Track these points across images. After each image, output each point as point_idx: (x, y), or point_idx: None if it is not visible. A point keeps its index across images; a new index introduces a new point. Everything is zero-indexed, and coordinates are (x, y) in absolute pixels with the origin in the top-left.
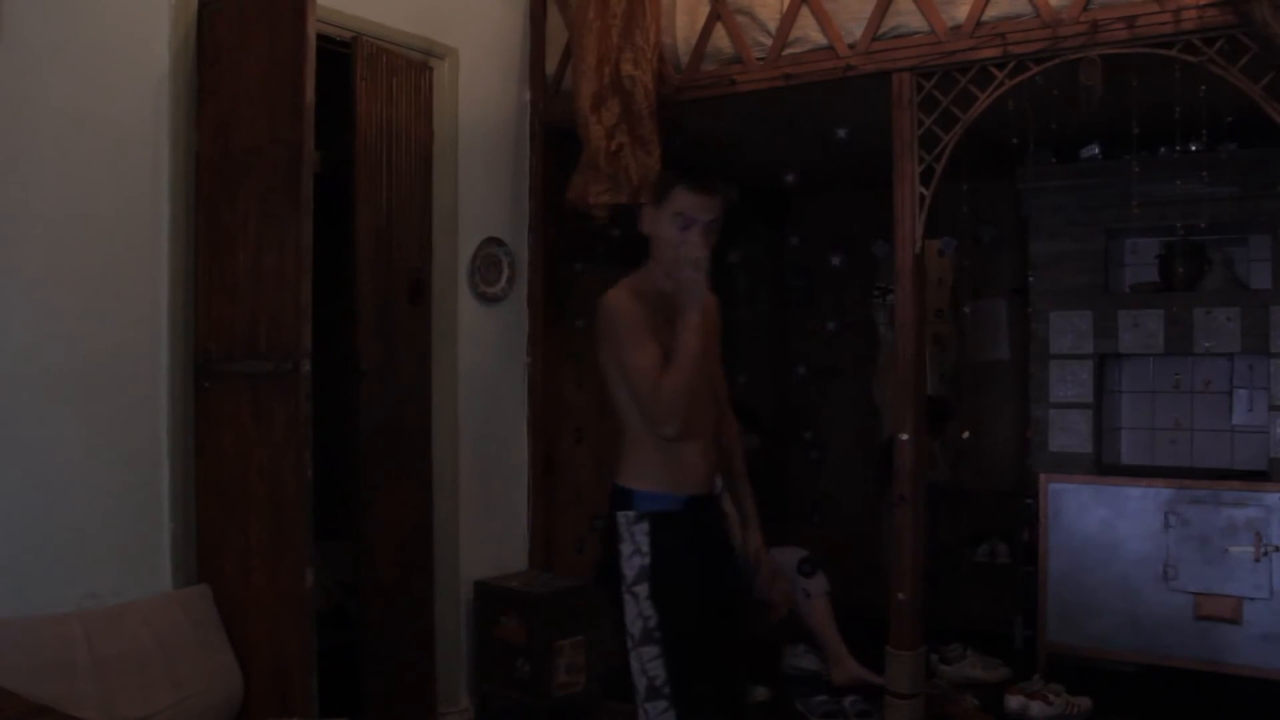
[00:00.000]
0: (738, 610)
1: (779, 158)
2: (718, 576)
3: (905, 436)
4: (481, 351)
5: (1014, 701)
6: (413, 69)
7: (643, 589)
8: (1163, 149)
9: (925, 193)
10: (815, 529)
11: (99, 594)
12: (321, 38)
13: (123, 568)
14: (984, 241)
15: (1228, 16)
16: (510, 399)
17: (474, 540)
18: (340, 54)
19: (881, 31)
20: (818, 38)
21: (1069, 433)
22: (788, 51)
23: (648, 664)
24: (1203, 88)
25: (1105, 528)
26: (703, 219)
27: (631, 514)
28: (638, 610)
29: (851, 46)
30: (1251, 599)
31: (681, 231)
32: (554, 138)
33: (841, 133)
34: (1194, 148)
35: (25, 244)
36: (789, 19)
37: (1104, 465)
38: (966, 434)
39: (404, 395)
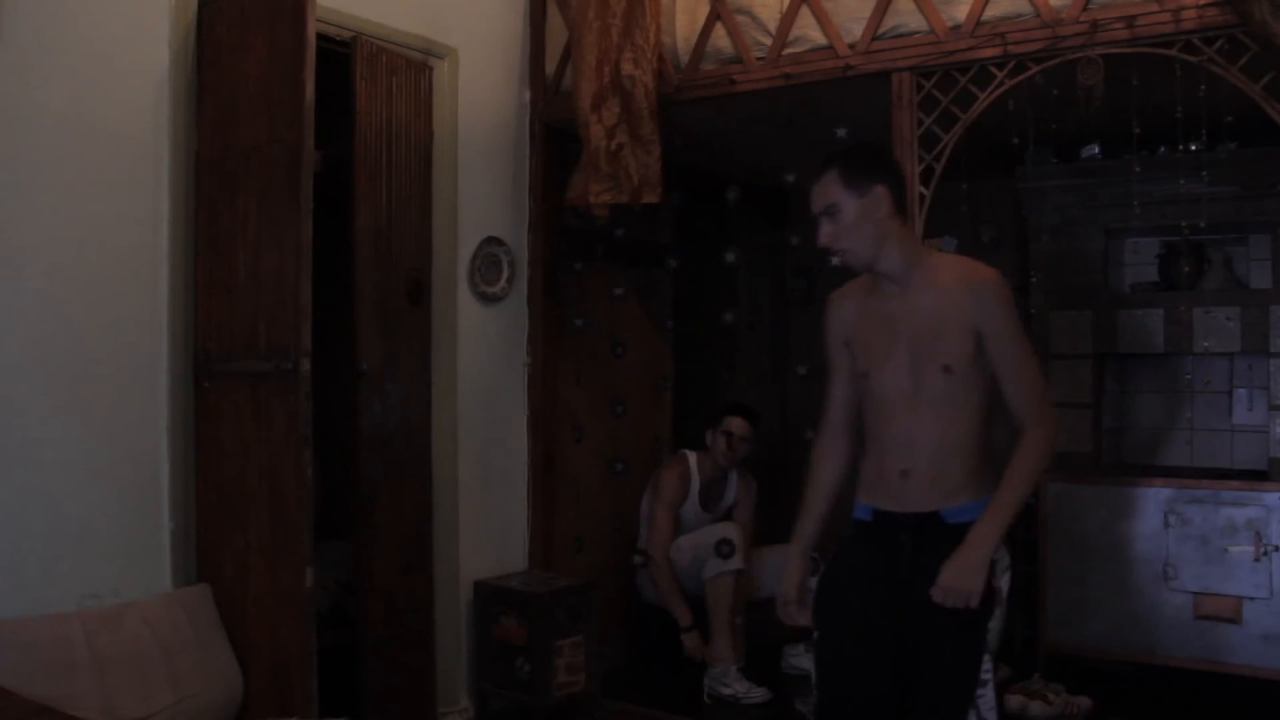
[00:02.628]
0: (924, 659)
1: (779, 158)
2: (903, 611)
3: None
4: (481, 351)
5: (1014, 701)
6: (412, 69)
7: None
8: (1163, 149)
9: (925, 192)
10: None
11: (99, 594)
12: (321, 37)
13: (123, 568)
14: (984, 241)
15: (1228, 16)
16: (510, 399)
17: (474, 540)
18: (340, 54)
19: (881, 31)
20: (817, 37)
21: (1069, 433)
22: (787, 51)
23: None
24: (1203, 88)
25: (1105, 528)
26: (816, 210)
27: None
28: None
29: (851, 46)
30: (1251, 599)
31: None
32: (554, 138)
33: (841, 132)
34: (1194, 148)
35: (25, 244)
36: (789, 19)
37: (1104, 465)
38: None
39: (404, 395)
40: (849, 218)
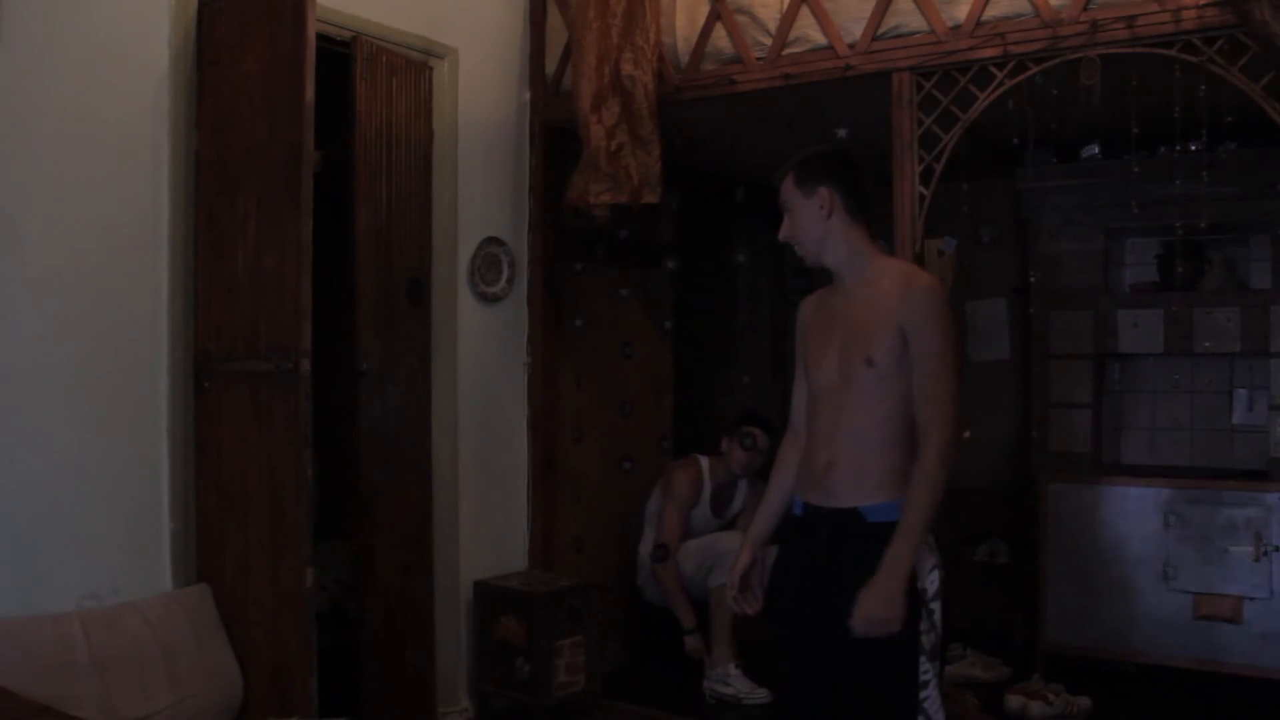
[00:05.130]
0: (844, 667)
1: (779, 158)
2: (825, 606)
3: None
4: (481, 351)
5: (1014, 701)
6: (413, 69)
7: None
8: (1163, 149)
9: (925, 192)
10: None
11: (99, 594)
12: (321, 38)
13: (123, 568)
14: (984, 241)
15: (1228, 16)
16: (510, 399)
17: (474, 540)
18: (340, 54)
19: (881, 31)
20: (817, 37)
21: (1069, 433)
22: (787, 51)
23: None
24: (1203, 88)
25: (1105, 528)
26: (780, 206)
27: None
28: None
29: (851, 46)
30: (1251, 599)
31: None
32: (554, 138)
33: (841, 132)
34: (1194, 148)
35: (25, 244)
36: (789, 19)
37: (1104, 465)
38: (967, 434)
39: (404, 395)
40: (797, 215)
